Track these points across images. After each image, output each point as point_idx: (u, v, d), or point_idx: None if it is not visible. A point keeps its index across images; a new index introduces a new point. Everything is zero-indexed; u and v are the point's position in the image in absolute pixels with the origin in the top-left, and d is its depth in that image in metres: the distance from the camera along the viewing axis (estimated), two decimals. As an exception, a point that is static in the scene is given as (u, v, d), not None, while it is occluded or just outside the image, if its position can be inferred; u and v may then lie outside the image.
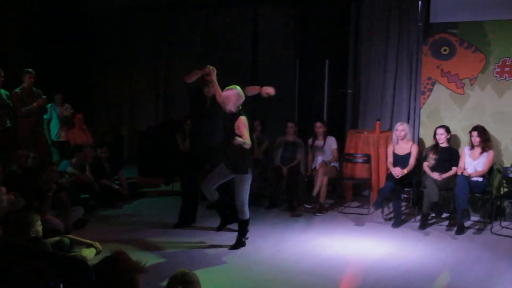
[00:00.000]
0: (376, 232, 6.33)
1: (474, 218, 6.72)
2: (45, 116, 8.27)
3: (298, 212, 7.08)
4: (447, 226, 6.48)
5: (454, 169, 6.53)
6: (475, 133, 6.51)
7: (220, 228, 6.19)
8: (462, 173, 6.39)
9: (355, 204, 7.55)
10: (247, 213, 5.60)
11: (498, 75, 6.91)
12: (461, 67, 7.10)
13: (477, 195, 6.54)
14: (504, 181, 6.73)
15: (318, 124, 7.47)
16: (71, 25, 9.76)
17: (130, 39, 10.30)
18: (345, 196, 7.66)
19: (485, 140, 6.51)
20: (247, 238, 5.75)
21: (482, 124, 6.65)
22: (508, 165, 6.68)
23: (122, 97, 10.63)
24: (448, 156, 6.62)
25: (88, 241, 5.17)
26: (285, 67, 9.02)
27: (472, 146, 6.57)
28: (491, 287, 4.80)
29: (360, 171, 7.47)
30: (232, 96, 5.37)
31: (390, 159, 6.83)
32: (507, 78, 6.85)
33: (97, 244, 5.15)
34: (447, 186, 6.50)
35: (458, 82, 7.16)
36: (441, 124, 6.83)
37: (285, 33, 9.09)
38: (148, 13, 10.09)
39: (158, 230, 6.27)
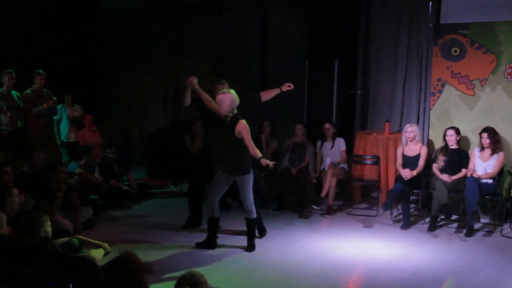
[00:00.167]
0: (385, 234, 6.32)
1: (484, 220, 6.69)
2: (55, 117, 8.33)
3: (306, 213, 7.08)
4: (456, 228, 6.46)
5: (463, 171, 6.51)
6: (485, 135, 6.48)
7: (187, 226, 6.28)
8: (472, 175, 6.36)
9: (364, 205, 7.54)
10: (254, 212, 5.59)
11: (509, 76, 6.88)
12: (471, 68, 7.08)
13: (487, 197, 6.51)
14: (514, 183, 6.71)
15: (327, 125, 7.47)
16: (82, 27, 9.83)
17: (140, 40, 10.35)
18: (354, 198, 7.66)
19: (496, 141, 6.48)
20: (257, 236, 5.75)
21: (492, 125, 6.62)
22: (519, 167, 6.66)
23: (132, 98, 10.68)
24: (458, 157, 6.60)
25: (97, 241, 5.21)
26: (294, 68, 8.99)
27: (482, 148, 6.54)
28: (500, 290, 4.78)
29: (369, 172, 7.46)
30: (225, 100, 5.30)
31: (399, 160, 6.81)
32: (518, 79, 6.83)
33: (106, 245, 5.18)
34: (457, 188, 6.48)
35: (468, 83, 7.14)
36: (451, 126, 6.81)
37: (294, 34, 9.09)
38: (157, 14, 10.13)
39: (166, 231, 6.30)
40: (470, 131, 7.06)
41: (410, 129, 6.79)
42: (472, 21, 7.05)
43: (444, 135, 6.72)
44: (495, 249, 5.79)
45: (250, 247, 5.64)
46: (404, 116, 7.74)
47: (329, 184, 7.04)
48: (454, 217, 6.69)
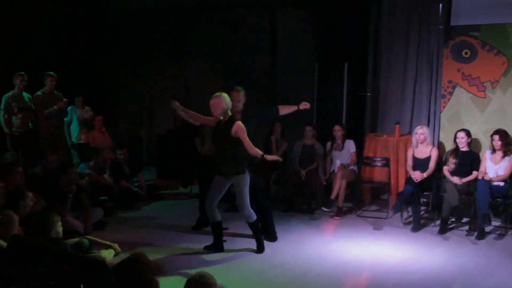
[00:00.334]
0: (395, 236, 6.30)
1: (495, 223, 6.65)
2: (65, 119, 8.38)
3: (315, 215, 7.08)
4: (467, 231, 6.42)
5: (474, 173, 6.47)
6: (496, 137, 6.45)
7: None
8: (483, 177, 6.32)
9: (374, 207, 7.52)
10: (253, 215, 5.54)
11: (521, 78, 6.85)
12: (482, 70, 7.05)
13: (498, 199, 6.46)
14: (526, 186, 6.66)
15: (336, 127, 7.47)
16: (92, 28, 9.89)
17: (149, 42, 10.39)
18: (364, 200, 7.64)
19: (507, 144, 6.44)
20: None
21: (504, 128, 6.57)
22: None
23: (142, 100, 10.72)
24: (469, 160, 6.56)
25: (107, 242, 5.24)
26: (303, 70, 9.01)
27: (494, 150, 6.50)
28: (511, 294, 4.76)
29: (379, 174, 7.44)
30: (217, 104, 5.36)
31: (410, 162, 6.79)
32: (529, 82, 6.79)
33: (116, 246, 5.21)
34: (468, 190, 6.45)
35: (479, 85, 7.10)
36: (461, 128, 6.77)
37: (304, 36, 9.08)
38: (167, 16, 10.17)
39: (175, 232, 6.33)
40: (481, 133, 7.02)
41: (421, 131, 6.77)
42: (483, 23, 7.01)
43: (455, 137, 6.68)
44: (507, 252, 5.75)
45: (260, 249, 5.64)
46: (415, 118, 7.72)
47: (339, 186, 7.04)
48: (465, 219, 6.67)
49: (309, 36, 9.03)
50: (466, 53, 7.15)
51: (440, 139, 7.39)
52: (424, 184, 6.57)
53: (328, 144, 7.58)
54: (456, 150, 6.65)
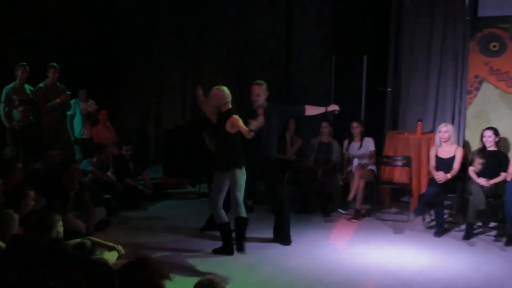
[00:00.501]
0: (417, 241, 6.24)
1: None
2: (68, 112, 8.40)
3: (331, 218, 7.04)
4: (495, 236, 6.34)
5: (503, 174, 6.38)
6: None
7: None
8: (512, 179, 6.25)
9: (394, 210, 7.46)
10: (244, 211, 5.55)
11: (553, 73, 6.76)
12: (512, 64, 6.96)
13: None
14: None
15: (354, 124, 7.43)
16: (99, 19, 9.88)
17: (158, 34, 10.38)
18: (383, 202, 7.59)
19: (538, 143, 6.35)
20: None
21: (534, 126, 6.51)
22: None
23: (150, 94, 10.72)
24: (497, 160, 6.48)
25: (111, 243, 5.20)
26: (320, 64, 9.00)
27: (524, 150, 6.42)
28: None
29: (399, 175, 7.39)
30: (216, 95, 5.50)
31: (433, 162, 6.73)
32: (563, 77, 6.69)
33: (120, 247, 5.16)
34: (495, 193, 6.36)
35: (508, 80, 7.05)
36: (489, 126, 6.70)
37: (321, 27, 9.05)
38: (177, 8, 10.13)
39: (183, 234, 6.30)
40: (510, 131, 6.95)
41: (445, 129, 6.70)
42: (513, 14, 6.94)
43: (482, 136, 6.61)
44: (537, 260, 5.67)
45: (239, 247, 5.53)
46: (438, 115, 7.67)
47: (357, 186, 6.99)
48: (492, 224, 6.59)
49: (326, 27, 9.01)
50: (494, 46, 7.09)
51: (466, 138, 7.35)
52: (448, 185, 6.51)
53: (346, 142, 7.54)
54: (482, 150, 6.57)
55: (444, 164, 6.64)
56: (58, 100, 7.91)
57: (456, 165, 6.59)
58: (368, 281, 5.07)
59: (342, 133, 7.69)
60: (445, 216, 6.79)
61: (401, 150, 7.37)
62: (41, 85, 7.93)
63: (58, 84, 8.03)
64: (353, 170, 7.24)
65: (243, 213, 5.54)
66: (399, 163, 7.30)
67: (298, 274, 5.19)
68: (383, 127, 8.08)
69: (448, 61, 7.56)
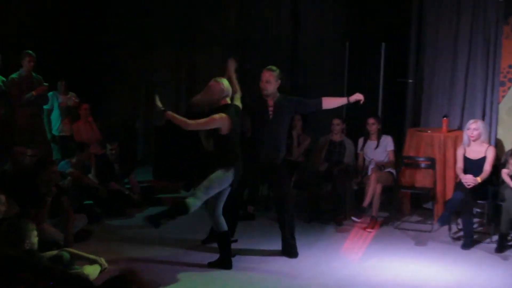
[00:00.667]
0: (442, 254, 6.23)
1: None
2: (45, 107, 8.39)
3: (344, 227, 7.04)
4: (532, 249, 6.36)
5: (542, 178, 6.39)
6: None
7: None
8: (553, 183, 6.25)
9: (415, 218, 7.46)
10: (224, 225, 5.60)
11: None
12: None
13: None
14: None
15: (371, 120, 7.42)
16: (79, 3, 9.85)
17: (149, 16, 10.35)
18: (403, 209, 7.60)
19: None
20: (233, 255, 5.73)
21: None
22: None
23: (138, 86, 10.71)
24: (535, 162, 6.48)
25: (92, 256, 5.20)
26: (332, 51, 9.02)
27: None
28: None
29: (422, 178, 7.38)
30: (213, 87, 5.56)
31: (460, 164, 6.72)
32: None
33: (103, 260, 5.17)
34: (533, 199, 6.34)
35: (547, 70, 7.03)
36: (525, 122, 6.71)
37: (333, 9, 9.08)
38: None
39: (175, 245, 6.30)
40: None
41: (474, 126, 6.69)
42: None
43: (516, 133, 6.61)
44: None
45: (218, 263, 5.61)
46: (466, 110, 7.68)
47: (373, 191, 6.98)
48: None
49: (339, 9, 9.02)
50: (531, 31, 7.09)
51: (498, 136, 7.37)
52: (478, 190, 6.50)
53: (361, 141, 7.54)
54: (518, 150, 6.57)
55: (473, 166, 6.63)
56: (34, 92, 7.90)
57: (487, 167, 6.58)
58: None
59: (356, 131, 7.68)
60: (475, 226, 6.78)
61: (423, 150, 7.37)
62: (14, 75, 7.92)
63: (34, 74, 8.03)
64: (369, 172, 7.24)
65: (221, 227, 5.57)
66: (422, 165, 7.29)
67: (306, 291, 5.19)
68: (404, 124, 8.09)
69: (477, 48, 7.55)
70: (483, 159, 6.62)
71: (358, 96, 5.93)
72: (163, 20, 10.23)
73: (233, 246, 5.91)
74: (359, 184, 7.38)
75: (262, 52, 9.28)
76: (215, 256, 5.76)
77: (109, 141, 8.03)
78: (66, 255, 5.04)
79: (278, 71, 5.86)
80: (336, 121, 7.53)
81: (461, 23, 7.62)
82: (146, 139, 10.63)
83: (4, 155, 7.08)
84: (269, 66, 5.91)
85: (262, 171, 5.94)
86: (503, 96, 7.29)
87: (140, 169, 9.00)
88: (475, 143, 6.70)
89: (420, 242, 6.58)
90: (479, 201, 6.76)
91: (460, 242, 6.47)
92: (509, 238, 6.42)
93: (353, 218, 7.00)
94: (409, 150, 7.50)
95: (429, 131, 7.53)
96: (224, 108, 5.48)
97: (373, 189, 6.98)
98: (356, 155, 7.54)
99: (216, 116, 5.39)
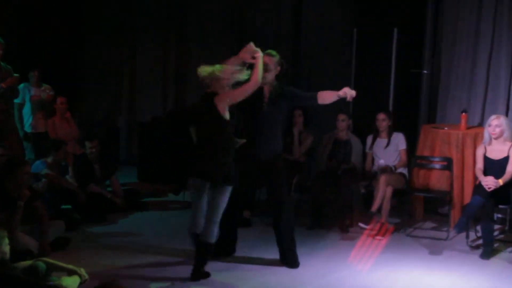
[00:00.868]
0: (459, 264, 6.27)
1: None
2: (16, 101, 8.42)
3: (350, 234, 7.08)
4: (558, 259, 6.41)
5: None
6: None
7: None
8: None
9: (430, 225, 7.50)
10: (214, 235, 5.60)
11: None
12: None
13: None
14: None
15: (381, 116, 7.46)
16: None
17: (135, 2, 10.42)
18: (416, 214, 7.64)
19: None
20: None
21: None
22: None
23: (121, 77, 10.76)
24: (562, 163, 6.54)
25: (71, 266, 5.23)
26: (338, 39, 8.99)
27: None
28: None
29: (437, 180, 7.43)
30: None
31: (480, 165, 6.76)
32: None
33: (82, 271, 5.21)
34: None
35: None
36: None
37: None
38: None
39: (163, 254, 6.33)
40: None
41: (496, 123, 6.72)
42: None
43: (543, 131, 6.67)
44: None
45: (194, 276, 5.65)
46: (488, 105, 7.73)
47: (383, 195, 7.03)
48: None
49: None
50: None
51: (523, 134, 7.37)
52: (499, 194, 6.52)
53: (369, 139, 7.58)
54: (544, 149, 6.63)
55: (494, 166, 6.67)
56: (3, 84, 7.88)
57: (510, 168, 6.60)
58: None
59: (364, 128, 7.73)
60: (495, 233, 6.81)
61: (439, 149, 7.41)
62: (-20, 65, 7.94)
63: (2, 64, 8.03)
64: (378, 174, 7.27)
65: (211, 238, 5.59)
66: (437, 166, 7.33)
67: (308, 305, 5.26)
68: (417, 120, 8.14)
69: (501, 37, 7.60)
70: (505, 159, 6.64)
71: (348, 91, 5.71)
72: (148, 5, 10.29)
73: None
74: (367, 187, 7.42)
75: (261, 38, 9.30)
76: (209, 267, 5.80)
77: (88, 138, 8.06)
78: (42, 266, 5.06)
79: (278, 56, 5.85)
80: (342, 117, 7.52)
81: (483, 10, 7.65)
82: (130, 137, 10.66)
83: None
84: (268, 51, 5.85)
85: (257, 168, 5.93)
86: (529, 89, 7.40)
87: (123, 170, 9.04)
88: (497, 141, 6.72)
89: (434, 251, 6.61)
90: (500, 206, 6.79)
91: (479, 251, 6.50)
92: (533, 246, 6.51)
93: (360, 224, 7.05)
94: (423, 149, 7.54)
95: (445, 128, 7.55)
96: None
97: (383, 192, 7.02)
98: (364, 155, 7.56)
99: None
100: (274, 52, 5.88)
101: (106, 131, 10.38)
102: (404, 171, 7.38)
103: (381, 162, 7.36)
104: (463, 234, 6.83)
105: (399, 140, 7.44)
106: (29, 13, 9.43)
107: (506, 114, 7.41)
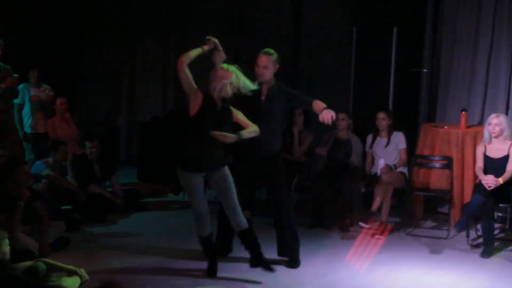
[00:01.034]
0: (459, 262, 6.28)
1: None
2: (15, 101, 8.42)
3: (351, 233, 7.09)
4: (560, 257, 6.41)
5: None
6: None
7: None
8: None
9: (430, 224, 7.52)
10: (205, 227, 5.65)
11: None
12: None
13: None
14: None
15: (381, 115, 7.46)
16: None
17: (133, 1, 10.42)
18: (416, 213, 7.64)
19: None
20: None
21: None
22: None
23: (121, 77, 10.76)
24: None
25: (71, 267, 5.25)
26: (337, 39, 8.99)
27: None
28: None
29: (437, 179, 7.45)
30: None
31: (480, 163, 6.77)
32: None
33: (83, 272, 5.23)
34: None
35: None
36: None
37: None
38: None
39: (163, 255, 6.33)
40: None
41: (496, 121, 6.72)
42: None
43: (543, 129, 6.67)
44: None
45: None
46: (488, 103, 7.73)
47: (383, 194, 7.04)
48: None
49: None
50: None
51: (523, 132, 7.37)
52: (499, 193, 6.53)
53: (369, 138, 7.59)
54: (545, 148, 6.63)
55: (494, 165, 6.67)
56: (2, 85, 7.89)
57: (510, 167, 6.61)
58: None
59: (364, 127, 7.75)
60: (495, 232, 6.82)
61: (439, 147, 7.41)
62: (-21, 66, 7.94)
63: (1, 64, 8.03)
64: (379, 173, 7.28)
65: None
66: (437, 165, 7.34)
67: (308, 305, 5.26)
68: (417, 119, 8.14)
69: (502, 34, 7.61)
70: (505, 158, 6.65)
71: (327, 114, 5.67)
72: (148, 5, 10.29)
73: (229, 254, 6.07)
74: (367, 186, 7.43)
75: (261, 38, 9.32)
76: (201, 265, 5.82)
77: (88, 138, 8.06)
78: (42, 266, 5.07)
79: (276, 54, 5.83)
80: (342, 116, 7.49)
81: (483, 8, 7.65)
82: (129, 137, 10.67)
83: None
84: (266, 49, 5.86)
85: (256, 168, 5.92)
86: (529, 87, 7.39)
87: (123, 170, 9.05)
88: (497, 140, 6.73)
89: (435, 250, 6.62)
90: (500, 205, 6.80)
91: (479, 250, 6.52)
92: (533, 245, 6.52)
93: (361, 223, 7.04)
94: (423, 148, 7.55)
95: (445, 127, 7.56)
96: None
97: (383, 191, 7.03)
98: (364, 154, 7.58)
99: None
100: (271, 51, 5.86)
101: (106, 131, 10.36)
102: (404, 170, 7.39)
103: (381, 161, 7.35)
104: (463, 233, 6.84)
105: (399, 139, 7.45)
106: (29, 13, 9.42)
107: (506, 113, 7.42)
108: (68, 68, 10.30)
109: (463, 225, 6.57)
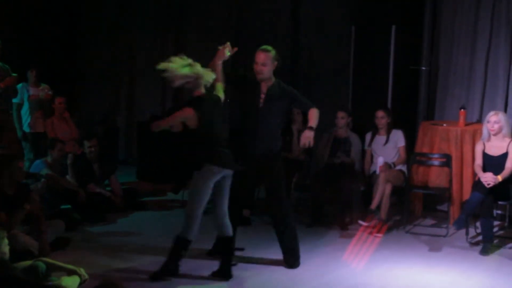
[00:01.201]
0: (458, 260, 6.29)
1: None
2: (14, 100, 8.40)
3: (350, 231, 7.09)
4: (559, 255, 6.42)
5: None
6: None
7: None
8: None
9: (429, 221, 7.53)
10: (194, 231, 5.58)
11: None
12: None
13: None
14: None
15: (380, 113, 7.47)
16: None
17: (132, 1, 10.41)
18: (415, 211, 7.66)
19: None
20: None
21: None
22: None
23: (120, 77, 10.75)
24: (562, 159, 6.54)
25: (70, 266, 5.24)
26: (336, 36, 8.98)
27: None
28: None
29: (436, 177, 7.45)
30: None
31: (479, 161, 6.78)
32: None
33: (82, 271, 5.21)
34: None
35: None
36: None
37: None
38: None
39: (163, 254, 6.18)
40: None
41: (495, 119, 6.73)
42: None
43: (542, 127, 6.68)
44: None
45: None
46: (486, 101, 7.73)
47: (382, 192, 7.04)
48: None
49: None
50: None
51: (521, 130, 7.38)
52: (498, 190, 6.53)
53: (368, 136, 7.60)
54: (543, 145, 6.63)
55: (493, 163, 6.68)
56: (1, 84, 7.89)
57: (509, 165, 6.62)
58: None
59: (363, 125, 7.75)
60: (495, 229, 6.83)
61: (438, 145, 7.42)
62: (-23, 65, 7.94)
63: (0, 64, 8.04)
64: (377, 171, 7.28)
65: (189, 234, 5.58)
66: (436, 162, 7.35)
67: (308, 303, 5.26)
68: (416, 117, 8.14)
69: (500, 33, 7.60)
70: (504, 156, 6.66)
71: (306, 138, 5.76)
72: (147, 5, 10.28)
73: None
74: (367, 184, 7.44)
75: (259, 37, 9.29)
76: (202, 266, 5.83)
77: (87, 138, 8.04)
78: (42, 266, 5.06)
79: (274, 51, 5.78)
80: (341, 114, 7.52)
81: (482, 2, 7.65)
82: (128, 136, 10.67)
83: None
84: (264, 46, 5.80)
85: (255, 167, 5.89)
86: (527, 85, 7.39)
87: (122, 170, 9.05)
88: (495, 138, 6.74)
89: (434, 247, 6.64)
90: (499, 202, 6.82)
91: (479, 248, 6.53)
92: (532, 242, 6.52)
93: (360, 221, 7.05)
94: (422, 146, 7.55)
95: (444, 125, 7.56)
96: (197, 100, 5.50)
97: (382, 189, 7.03)
98: (363, 152, 7.59)
99: (178, 112, 5.56)
100: (269, 48, 5.80)
101: (105, 131, 10.37)
102: (403, 168, 7.40)
103: (380, 159, 7.35)
104: (463, 231, 6.86)
105: (398, 137, 7.46)
106: (28, 13, 9.41)
107: (505, 111, 7.42)
108: (67, 68, 10.29)
109: (462, 223, 6.57)
